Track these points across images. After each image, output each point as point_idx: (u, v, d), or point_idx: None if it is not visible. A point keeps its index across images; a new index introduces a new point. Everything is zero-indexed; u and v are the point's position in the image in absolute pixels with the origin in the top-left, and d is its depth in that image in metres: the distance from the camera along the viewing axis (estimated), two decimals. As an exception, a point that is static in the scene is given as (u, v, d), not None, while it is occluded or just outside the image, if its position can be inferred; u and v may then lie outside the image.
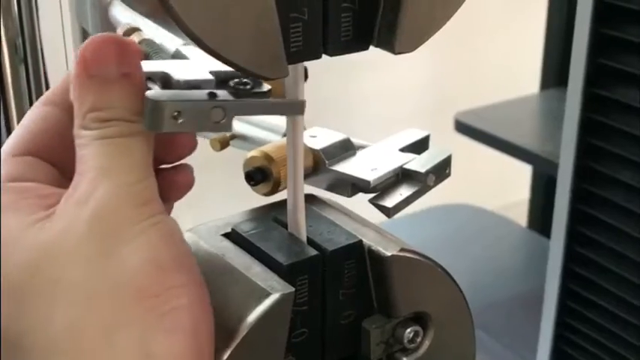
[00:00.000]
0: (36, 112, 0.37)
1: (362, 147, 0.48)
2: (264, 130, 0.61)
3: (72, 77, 0.35)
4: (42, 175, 0.36)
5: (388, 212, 0.42)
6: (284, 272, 0.39)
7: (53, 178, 0.36)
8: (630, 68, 0.77)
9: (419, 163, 0.45)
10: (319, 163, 0.45)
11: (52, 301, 0.31)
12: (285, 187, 0.42)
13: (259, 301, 0.37)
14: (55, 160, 0.37)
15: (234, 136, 0.62)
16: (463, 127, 1.42)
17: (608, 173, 0.81)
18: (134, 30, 0.51)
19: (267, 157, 0.44)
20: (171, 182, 0.39)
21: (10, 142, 0.36)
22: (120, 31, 0.56)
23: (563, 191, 0.85)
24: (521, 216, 1.71)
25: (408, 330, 0.42)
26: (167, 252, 0.33)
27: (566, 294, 0.88)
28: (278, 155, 0.43)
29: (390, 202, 0.43)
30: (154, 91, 0.35)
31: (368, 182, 0.43)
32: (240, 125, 0.64)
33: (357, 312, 0.42)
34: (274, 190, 0.44)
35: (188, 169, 0.39)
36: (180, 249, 0.34)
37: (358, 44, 0.36)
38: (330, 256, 0.40)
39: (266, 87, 0.37)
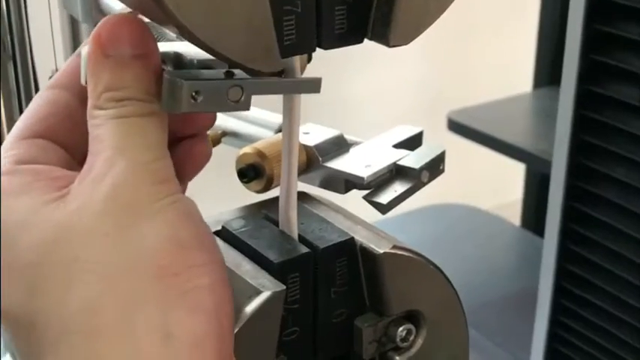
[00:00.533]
0: (44, 96, 0.37)
1: (355, 143, 0.47)
2: (256, 126, 0.61)
3: (86, 57, 0.34)
4: (54, 158, 0.35)
5: (382, 209, 0.42)
6: (275, 270, 0.38)
7: (64, 161, 0.35)
8: (624, 64, 0.77)
9: (412, 160, 0.44)
10: (313, 160, 0.44)
11: (69, 279, 0.30)
12: (278, 184, 0.42)
13: (250, 299, 0.37)
14: (66, 143, 0.36)
15: (225, 133, 0.62)
16: (456, 126, 1.42)
17: (602, 170, 0.81)
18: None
19: (259, 153, 0.43)
20: (188, 154, 0.38)
21: (19, 126, 0.36)
22: None
23: (557, 189, 0.85)
24: (514, 215, 1.71)
25: (401, 328, 0.42)
26: (187, 230, 0.33)
27: (560, 292, 0.88)
28: (271, 152, 0.43)
29: (384, 198, 0.42)
30: (171, 71, 0.35)
31: (362, 178, 0.43)
32: (231, 122, 0.64)
33: (349, 310, 0.41)
34: (267, 188, 0.44)
35: (205, 139, 0.39)
36: (200, 228, 0.33)
37: (352, 37, 0.35)
38: (321, 253, 0.40)
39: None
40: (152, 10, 0.31)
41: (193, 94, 0.33)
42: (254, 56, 0.33)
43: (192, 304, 0.31)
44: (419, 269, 0.42)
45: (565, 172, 0.83)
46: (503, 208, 1.74)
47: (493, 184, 2.08)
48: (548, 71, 1.53)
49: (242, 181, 0.43)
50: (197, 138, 0.38)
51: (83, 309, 0.30)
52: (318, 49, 0.35)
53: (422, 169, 0.44)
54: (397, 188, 0.43)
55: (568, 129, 0.81)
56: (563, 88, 0.81)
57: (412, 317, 0.42)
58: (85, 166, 0.33)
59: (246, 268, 0.38)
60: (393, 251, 0.40)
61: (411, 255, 0.41)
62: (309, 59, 0.41)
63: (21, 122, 0.36)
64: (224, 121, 0.63)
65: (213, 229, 0.41)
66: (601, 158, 0.81)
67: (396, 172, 0.44)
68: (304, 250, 0.39)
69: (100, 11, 0.66)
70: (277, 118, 0.61)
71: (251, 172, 0.43)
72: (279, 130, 0.60)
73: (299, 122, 0.39)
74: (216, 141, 0.63)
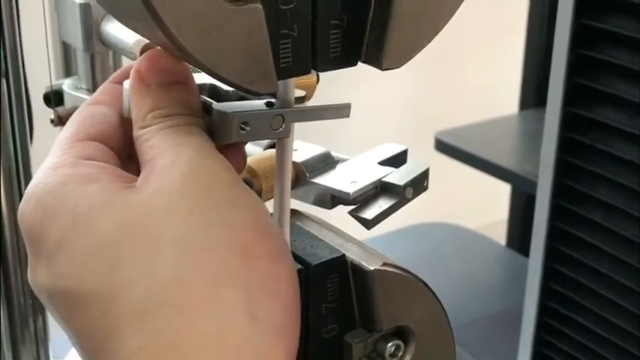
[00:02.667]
0: (89, 109, 0.37)
1: (342, 160, 0.48)
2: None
3: (129, 89, 0.35)
4: (111, 160, 0.35)
5: (368, 224, 0.43)
6: None
7: (119, 165, 0.35)
8: (608, 89, 0.78)
9: (397, 177, 0.45)
10: (300, 176, 0.45)
11: (154, 254, 0.30)
12: (267, 200, 0.43)
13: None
14: (117, 150, 0.36)
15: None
16: (443, 146, 1.43)
17: (587, 192, 0.82)
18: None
19: (249, 170, 0.44)
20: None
21: (71, 130, 0.36)
22: (136, 48, 0.56)
23: (542, 209, 0.86)
24: (500, 235, 1.72)
25: (390, 344, 0.42)
26: (267, 219, 0.33)
27: (545, 311, 0.89)
28: (260, 168, 0.44)
29: (369, 214, 0.43)
30: (219, 104, 0.37)
31: (348, 194, 0.44)
32: None
33: (340, 326, 0.42)
34: None
35: (240, 150, 0.39)
36: (275, 224, 0.35)
37: (347, 60, 0.37)
38: (313, 270, 0.40)
39: (302, 92, 0.39)
40: (155, 33, 0.32)
41: (242, 124, 0.36)
42: (252, 78, 0.34)
43: (274, 289, 0.31)
44: (408, 286, 0.42)
45: (550, 193, 0.84)
46: (489, 228, 1.75)
47: (479, 204, 2.09)
48: (534, 93, 1.55)
49: None
50: (233, 148, 0.38)
51: (173, 281, 0.29)
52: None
53: (406, 185, 0.44)
54: (382, 204, 0.44)
55: (553, 151, 0.83)
56: (548, 111, 0.83)
57: (401, 333, 0.43)
58: (144, 171, 0.33)
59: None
60: (383, 268, 0.41)
61: (400, 272, 0.42)
62: (318, 80, 0.43)
63: (74, 126, 0.36)
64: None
65: None
66: (585, 180, 0.82)
67: (381, 188, 0.45)
68: (297, 266, 0.40)
69: (101, 40, 0.67)
70: None
71: None
72: (269, 147, 0.61)
73: (292, 142, 0.40)
74: None
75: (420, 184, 0.46)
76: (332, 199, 0.45)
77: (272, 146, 0.61)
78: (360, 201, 0.44)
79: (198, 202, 0.31)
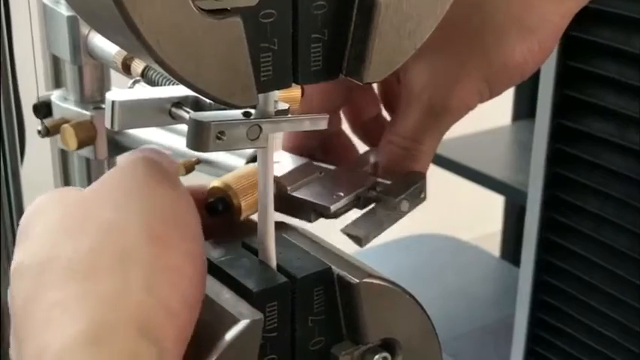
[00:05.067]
0: None
1: (328, 169, 0.48)
2: (229, 153, 0.62)
3: None
4: None
5: (360, 242, 0.43)
6: (254, 299, 0.39)
7: None
8: (597, 100, 0.78)
9: (392, 189, 0.45)
10: (280, 190, 0.45)
11: (80, 234, 0.36)
12: (246, 216, 0.43)
13: (228, 327, 0.37)
14: None
15: (199, 161, 0.63)
16: (436, 158, 1.43)
17: (576, 203, 0.82)
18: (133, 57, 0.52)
19: (227, 187, 0.44)
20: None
21: None
22: (118, 58, 0.57)
23: (532, 221, 0.86)
24: (494, 246, 1.72)
25: (377, 356, 0.42)
26: (189, 217, 0.38)
27: (536, 322, 0.89)
28: (238, 185, 0.44)
29: (361, 231, 0.43)
30: (196, 113, 0.38)
31: (328, 208, 0.44)
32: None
33: (327, 338, 0.42)
34: (236, 220, 0.44)
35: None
36: (199, 230, 0.38)
37: (328, 74, 0.37)
38: (299, 283, 0.40)
39: (285, 105, 0.39)
40: (134, 46, 0.32)
41: (218, 134, 0.36)
42: (232, 92, 0.34)
43: (174, 279, 0.35)
44: (394, 298, 0.42)
45: (540, 205, 0.85)
46: (483, 239, 1.75)
47: (473, 216, 2.09)
48: (527, 104, 1.55)
49: (211, 214, 0.44)
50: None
51: (87, 255, 0.35)
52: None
53: (401, 199, 0.44)
54: (375, 220, 0.44)
55: (542, 162, 0.83)
56: (537, 122, 0.83)
57: (388, 345, 0.43)
58: None
59: (225, 297, 0.39)
60: (368, 280, 0.41)
61: (386, 284, 0.42)
62: (303, 93, 0.43)
63: None
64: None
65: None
66: (575, 191, 0.83)
67: (375, 201, 0.45)
68: (282, 279, 0.40)
69: (88, 53, 0.67)
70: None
71: (219, 205, 0.44)
72: (250, 160, 0.61)
73: (273, 152, 0.40)
74: (190, 168, 0.64)
75: (416, 195, 0.45)
76: (313, 212, 0.45)
77: (253, 159, 0.61)
78: (341, 214, 0.44)
79: (125, 192, 0.37)
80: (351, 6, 0.36)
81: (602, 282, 0.81)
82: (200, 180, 0.47)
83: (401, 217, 0.45)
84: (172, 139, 0.68)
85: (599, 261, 0.81)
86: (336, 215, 0.44)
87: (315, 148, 0.51)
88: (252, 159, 0.62)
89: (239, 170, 0.45)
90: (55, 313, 0.34)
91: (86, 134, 0.71)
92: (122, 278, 0.35)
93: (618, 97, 0.76)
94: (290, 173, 0.46)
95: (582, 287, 0.84)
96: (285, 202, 0.45)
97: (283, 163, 0.46)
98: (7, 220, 0.75)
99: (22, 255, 0.37)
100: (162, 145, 0.43)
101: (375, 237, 0.43)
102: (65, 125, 0.71)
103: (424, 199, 0.46)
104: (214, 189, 0.44)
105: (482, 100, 0.48)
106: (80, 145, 0.72)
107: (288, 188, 0.45)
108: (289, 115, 0.39)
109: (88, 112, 0.72)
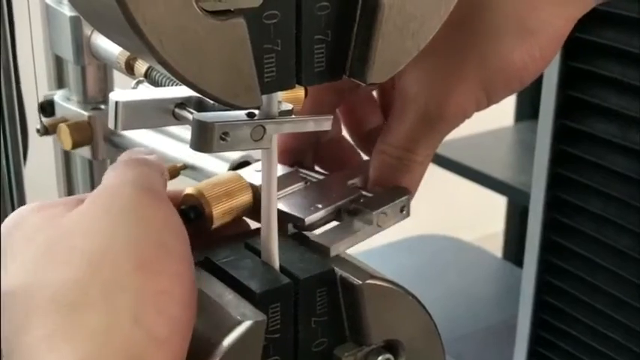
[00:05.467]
0: None
1: (312, 179, 0.47)
2: (214, 158, 0.62)
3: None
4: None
5: (328, 252, 0.41)
6: (256, 300, 0.39)
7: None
8: (599, 101, 0.78)
9: (371, 202, 0.44)
10: (258, 199, 0.43)
11: (65, 263, 0.35)
12: (219, 225, 0.43)
13: (231, 329, 0.37)
14: None
15: (185, 166, 0.63)
16: (439, 159, 1.43)
17: (579, 204, 0.82)
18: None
19: (200, 195, 0.44)
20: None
21: None
22: (121, 58, 0.57)
23: (535, 221, 0.86)
24: (497, 247, 1.72)
25: (380, 358, 0.42)
26: (177, 240, 0.37)
27: (538, 323, 0.89)
28: (211, 193, 0.43)
29: (329, 242, 0.42)
30: (200, 114, 0.37)
31: (303, 220, 0.43)
32: (190, 155, 0.65)
33: (329, 340, 0.42)
34: (208, 228, 0.44)
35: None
36: (187, 250, 0.37)
37: (331, 75, 0.37)
38: (302, 284, 0.40)
39: (289, 106, 0.39)
40: (137, 46, 0.32)
41: (222, 135, 0.36)
42: (235, 93, 0.34)
43: (163, 305, 0.35)
44: (397, 299, 0.42)
45: (543, 205, 0.84)
46: (486, 240, 1.75)
47: (475, 216, 2.09)
48: (529, 105, 1.55)
49: (184, 221, 0.43)
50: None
51: (74, 285, 0.35)
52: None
53: (379, 213, 0.43)
54: (349, 231, 0.42)
55: (546, 163, 0.83)
56: (540, 123, 0.83)
57: (391, 347, 0.43)
58: None
59: (228, 298, 0.39)
60: (371, 282, 0.41)
61: (389, 285, 0.42)
62: (306, 94, 0.42)
63: None
64: (182, 153, 0.65)
65: (196, 260, 0.42)
66: (578, 192, 0.83)
67: (351, 213, 0.44)
68: (285, 280, 0.40)
69: (91, 53, 0.67)
70: (235, 154, 0.62)
71: (191, 213, 0.43)
72: (233, 167, 0.61)
73: (276, 153, 0.40)
74: (175, 174, 0.65)
75: (397, 211, 0.44)
76: (289, 223, 0.44)
77: (236, 167, 0.61)
78: (318, 227, 0.43)
79: (109, 222, 0.36)
80: (355, 7, 0.36)
81: (605, 283, 0.81)
82: (186, 185, 0.46)
83: (377, 232, 0.43)
84: (166, 142, 0.68)
85: (602, 262, 0.81)
86: (312, 228, 0.43)
87: (304, 152, 0.49)
88: (236, 166, 0.62)
89: (216, 177, 0.44)
90: (41, 348, 0.33)
91: (81, 134, 0.72)
92: (110, 310, 0.34)
93: (621, 98, 0.76)
94: None
95: (585, 288, 0.84)
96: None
97: None
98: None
99: (9, 280, 0.37)
100: (151, 148, 0.43)
101: (345, 249, 0.42)
102: (61, 125, 0.72)
103: (406, 215, 0.45)
104: (187, 196, 0.44)
105: (479, 108, 0.46)
106: (75, 145, 0.72)
107: None
108: (293, 116, 0.39)
109: (85, 113, 0.72)
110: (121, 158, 0.41)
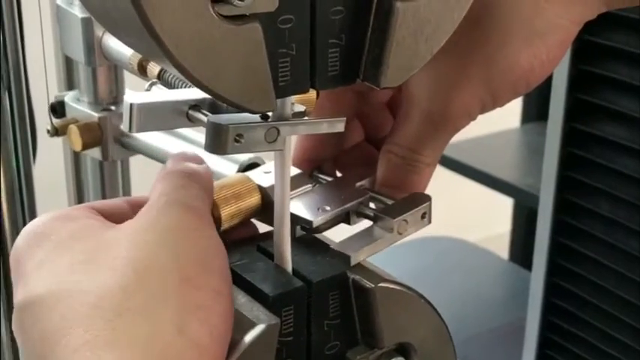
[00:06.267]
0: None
1: (322, 181, 0.47)
2: (223, 160, 0.62)
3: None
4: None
5: (349, 261, 0.41)
6: (270, 303, 0.39)
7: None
8: (609, 104, 0.78)
9: (392, 209, 0.43)
10: (267, 201, 0.44)
11: (110, 271, 0.35)
12: (228, 226, 0.43)
13: (245, 331, 0.37)
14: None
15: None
16: (445, 160, 1.43)
17: (588, 206, 0.82)
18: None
19: None
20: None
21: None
22: (134, 59, 0.57)
23: (544, 224, 0.86)
24: (503, 249, 1.72)
25: (392, 361, 0.42)
26: (218, 258, 0.38)
27: (547, 326, 0.89)
28: (219, 196, 0.43)
29: (350, 251, 0.42)
30: (214, 116, 0.37)
31: (310, 222, 0.43)
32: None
33: (342, 343, 0.42)
34: (217, 230, 0.44)
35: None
36: (227, 268, 0.38)
37: (345, 79, 0.37)
38: (315, 287, 0.40)
39: (302, 107, 0.39)
40: (152, 49, 0.32)
41: (237, 136, 0.36)
42: (250, 97, 0.34)
43: (204, 317, 0.35)
44: (409, 303, 0.42)
45: (552, 208, 0.84)
46: (492, 242, 1.75)
47: (482, 218, 2.09)
48: (536, 107, 1.55)
49: None
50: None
51: (118, 292, 0.35)
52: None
53: (400, 220, 0.43)
54: (369, 240, 0.42)
55: (555, 165, 0.83)
56: (550, 126, 0.83)
57: (403, 350, 0.43)
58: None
59: (241, 301, 0.39)
60: (384, 285, 0.41)
61: (402, 289, 0.42)
62: (318, 96, 0.42)
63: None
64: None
65: None
66: (587, 194, 0.82)
67: (373, 219, 0.43)
68: (298, 283, 0.40)
69: (103, 55, 0.67)
70: (244, 156, 0.62)
71: None
72: (242, 169, 0.61)
73: (290, 154, 0.40)
74: None
75: (418, 219, 0.43)
76: (297, 225, 0.43)
77: (245, 169, 0.61)
78: (325, 229, 0.43)
79: (156, 237, 0.37)
80: (369, 11, 0.36)
81: (614, 285, 0.81)
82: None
83: (398, 240, 0.43)
84: (175, 144, 0.68)
85: (611, 264, 0.81)
86: (319, 230, 0.43)
87: (324, 160, 0.49)
88: (244, 168, 0.62)
89: (224, 180, 0.44)
90: (83, 354, 0.33)
91: (91, 135, 0.72)
92: (153, 319, 0.34)
93: (630, 101, 0.76)
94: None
95: (593, 290, 0.84)
96: (271, 214, 0.44)
97: (274, 173, 0.45)
98: (20, 221, 0.75)
99: (36, 286, 0.36)
100: (199, 156, 0.42)
101: (365, 257, 0.42)
102: (71, 126, 0.72)
103: (427, 222, 0.44)
104: None
105: (484, 109, 0.45)
106: (85, 147, 0.72)
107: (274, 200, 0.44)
108: (306, 118, 0.39)
109: (95, 114, 0.72)
110: (171, 167, 0.41)
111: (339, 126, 0.39)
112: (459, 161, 1.42)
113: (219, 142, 0.36)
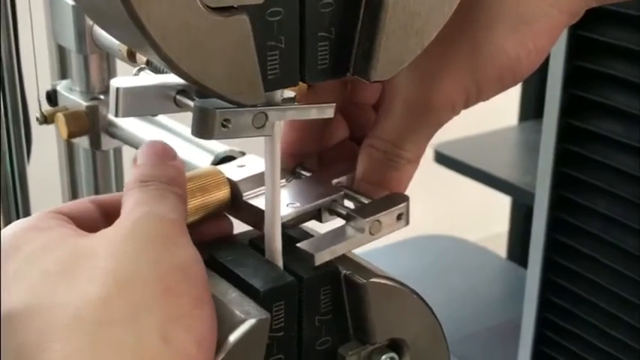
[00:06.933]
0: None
1: (299, 177, 0.46)
2: (201, 150, 0.61)
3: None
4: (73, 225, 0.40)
5: (313, 260, 0.40)
6: (260, 298, 0.39)
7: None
8: (604, 100, 0.78)
9: (365, 209, 0.43)
10: (236, 195, 0.43)
11: (88, 281, 0.35)
12: (192, 221, 0.42)
13: (235, 326, 0.37)
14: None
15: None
16: (443, 158, 1.43)
17: (584, 203, 0.82)
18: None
19: None
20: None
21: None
22: (123, 47, 0.56)
23: (540, 221, 0.86)
24: (501, 247, 1.72)
25: (384, 357, 0.42)
26: (196, 266, 0.37)
27: (543, 323, 0.89)
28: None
29: (314, 249, 0.41)
30: (201, 100, 0.37)
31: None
32: (175, 147, 0.64)
33: (333, 338, 0.42)
34: None
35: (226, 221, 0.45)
36: (205, 275, 0.38)
37: (335, 72, 0.37)
38: (306, 282, 0.40)
39: (292, 93, 0.39)
40: (139, 41, 0.32)
41: (223, 121, 0.35)
42: (238, 90, 0.34)
43: (189, 325, 0.35)
44: (402, 298, 0.42)
45: (548, 205, 0.84)
46: (490, 240, 1.75)
47: (480, 216, 2.09)
48: (533, 105, 1.55)
49: None
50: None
51: (98, 302, 0.34)
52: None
53: (373, 220, 0.41)
54: (339, 239, 0.41)
55: (550, 162, 0.83)
56: (545, 123, 0.83)
57: (395, 345, 0.43)
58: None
59: (232, 296, 0.39)
60: (376, 280, 0.41)
61: (393, 284, 0.42)
62: (309, 86, 0.42)
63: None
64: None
65: None
66: (583, 191, 0.82)
67: (345, 218, 0.43)
68: (289, 278, 0.40)
69: (94, 42, 0.68)
70: (220, 147, 0.62)
71: None
72: (218, 161, 0.60)
73: (279, 140, 0.40)
74: None
75: (393, 220, 0.42)
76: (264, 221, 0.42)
77: (218, 163, 0.60)
78: (292, 225, 0.43)
79: (135, 246, 0.36)
80: (359, 4, 0.36)
81: (610, 282, 0.81)
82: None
83: (370, 241, 0.42)
84: (154, 133, 0.68)
85: (607, 261, 0.81)
86: (285, 226, 0.42)
87: (308, 155, 0.48)
88: (219, 160, 0.61)
89: (193, 172, 0.43)
90: None
91: (78, 124, 0.72)
92: (138, 328, 0.34)
93: (626, 97, 0.76)
94: (251, 178, 0.44)
95: (590, 288, 0.83)
96: (240, 209, 0.43)
97: (248, 167, 0.44)
98: (14, 213, 0.75)
99: (12, 300, 0.35)
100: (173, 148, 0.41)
101: (331, 257, 0.41)
102: (58, 114, 0.72)
103: (405, 224, 0.43)
104: None
105: (468, 101, 0.44)
106: (71, 135, 0.72)
107: (244, 194, 0.43)
108: (295, 104, 0.38)
109: (84, 102, 0.72)
110: (146, 172, 0.40)
111: (329, 111, 0.39)
112: (456, 159, 1.42)
113: (205, 126, 0.35)
